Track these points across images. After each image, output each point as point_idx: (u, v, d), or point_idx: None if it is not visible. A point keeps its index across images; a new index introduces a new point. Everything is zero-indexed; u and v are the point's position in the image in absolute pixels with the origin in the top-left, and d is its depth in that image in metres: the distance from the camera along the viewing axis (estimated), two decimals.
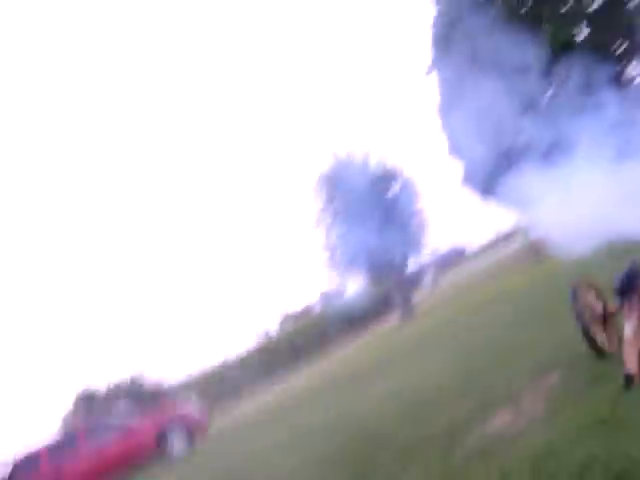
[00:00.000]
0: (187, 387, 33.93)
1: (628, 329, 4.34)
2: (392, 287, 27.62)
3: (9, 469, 17.84)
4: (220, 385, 37.09)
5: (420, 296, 40.75)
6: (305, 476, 6.55)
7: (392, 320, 30.27)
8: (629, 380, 4.20)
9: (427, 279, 43.25)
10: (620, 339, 4.64)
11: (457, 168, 21.83)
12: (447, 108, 19.71)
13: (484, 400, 5.78)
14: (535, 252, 18.11)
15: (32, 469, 17.05)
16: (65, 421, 26.78)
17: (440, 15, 19.89)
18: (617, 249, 10.18)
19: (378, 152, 27.53)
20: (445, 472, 4.55)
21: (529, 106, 14.85)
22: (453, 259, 78.53)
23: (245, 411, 27.24)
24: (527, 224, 15.37)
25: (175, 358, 62.68)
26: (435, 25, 20.13)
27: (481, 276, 30.50)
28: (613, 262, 9.16)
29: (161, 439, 17.14)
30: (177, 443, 17.21)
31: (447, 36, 18.80)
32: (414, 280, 38.21)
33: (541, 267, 16.63)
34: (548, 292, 9.79)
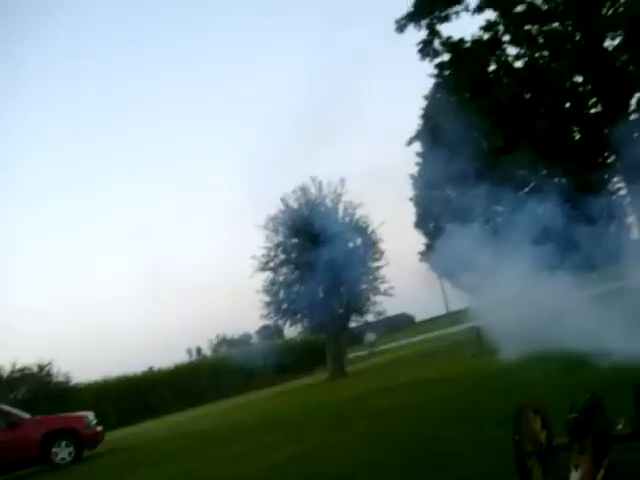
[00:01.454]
0: (96, 391, 32.35)
1: (575, 478, 3.52)
2: (327, 340, 26.36)
3: None
4: (134, 396, 35.72)
5: (358, 354, 39.94)
6: None
7: (322, 373, 29.29)
8: None
9: (368, 339, 42.63)
10: None
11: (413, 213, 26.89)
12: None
13: None
14: (479, 340, 17.50)
15: None
16: None
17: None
18: (557, 361, 9.43)
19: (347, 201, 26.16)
20: None
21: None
22: (401, 324, 78.48)
23: (146, 428, 25.85)
24: (473, 310, 14.90)
25: (97, 359, 60.95)
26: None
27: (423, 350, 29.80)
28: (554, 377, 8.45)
29: (46, 444, 15.90)
30: (62, 452, 16.00)
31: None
32: (353, 337, 37.35)
33: (477, 360, 16.00)
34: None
